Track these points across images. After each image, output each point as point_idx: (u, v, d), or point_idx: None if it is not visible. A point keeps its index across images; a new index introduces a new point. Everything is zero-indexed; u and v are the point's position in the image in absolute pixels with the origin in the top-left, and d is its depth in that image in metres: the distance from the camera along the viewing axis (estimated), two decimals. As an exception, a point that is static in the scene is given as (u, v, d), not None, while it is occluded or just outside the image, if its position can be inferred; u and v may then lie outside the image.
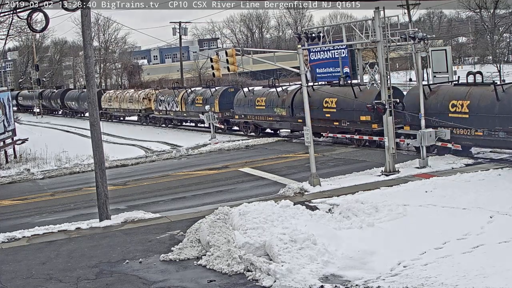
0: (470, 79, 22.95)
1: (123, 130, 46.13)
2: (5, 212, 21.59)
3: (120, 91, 56.25)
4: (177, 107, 43.00)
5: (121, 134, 42.88)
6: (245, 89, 36.51)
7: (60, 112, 68.77)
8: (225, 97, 38.30)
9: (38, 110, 70.59)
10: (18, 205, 22.57)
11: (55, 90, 70.12)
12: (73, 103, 62.77)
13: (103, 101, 55.01)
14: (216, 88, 40.13)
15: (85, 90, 55.64)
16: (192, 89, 42.79)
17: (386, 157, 21.06)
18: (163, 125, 46.11)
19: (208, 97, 39.26)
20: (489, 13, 62.28)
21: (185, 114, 42.55)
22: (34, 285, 12.94)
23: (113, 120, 55.95)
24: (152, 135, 40.83)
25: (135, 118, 51.77)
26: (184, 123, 44.57)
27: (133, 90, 54.10)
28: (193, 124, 42.97)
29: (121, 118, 55.69)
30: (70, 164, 30.50)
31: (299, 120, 30.25)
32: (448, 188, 17.64)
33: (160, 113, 46.14)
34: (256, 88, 37.33)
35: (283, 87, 33.43)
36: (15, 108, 75.02)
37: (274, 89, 33.53)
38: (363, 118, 26.91)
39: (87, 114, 57.06)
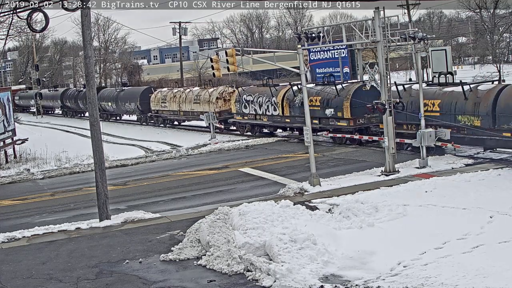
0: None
1: (123, 130, 46.09)
2: (5, 212, 21.59)
3: (179, 89, 45.39)
4: (275, 110, 32.88)
5: (121, 134, 42.86)
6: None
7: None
8: (358, 97, 27.57)
9: (60, 112, 67.82)
10: (18, 205, 22.56)
11: (82, 89, 60.14)
12: (109, 104, 53.45)
13: (152, 102, 46.59)
14: (344, 85, 29.74)
15: (126, 88, 51.97)
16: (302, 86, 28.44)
17: (386, 157, 21.06)
18: (249, 133, 35.67)
19: (331, 97, 29.13)
20: (489, 13, 62.24)
21: (287, 120, 32.23)
22: (34, 285, 12.94)
23: (168, 126, 45.48)
24: (152, 135, 40.80)
25: (202, 123, 38.56)
26: (283, 130, 34.81)
27: (198, 88, 43.63)
28: (298, 133, 32.71)
29: (178, 123, 45.23)
30: (70, 164, 30.50)
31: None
32: (448, 188, 17.64)
33: (246, 117, 35.57)
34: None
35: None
36: (34, 110, 72.52)
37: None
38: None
39: (126, 117, 53.66)
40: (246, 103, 35.04)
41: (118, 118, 55.44)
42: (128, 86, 57.04)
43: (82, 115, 61.83)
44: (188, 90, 43.52)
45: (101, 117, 53.69)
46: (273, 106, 32.82)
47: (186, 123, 44.61)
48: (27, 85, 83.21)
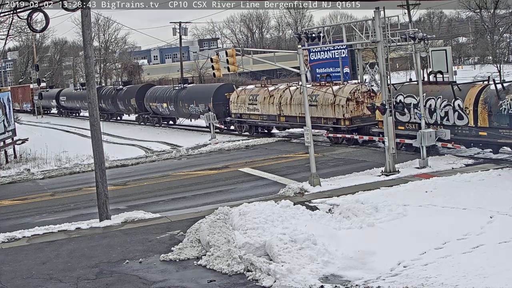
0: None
1: (123, 130, 46.09)
2: (5, 212, 21.59)
3: (276, 87, 34.45)
4: (460, 118, 22.69)
5: (121, 134, 42.86)
6: None
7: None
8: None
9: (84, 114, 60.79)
10: (18, 205, 22.56)
11: (121, 86, 52.75)
12: (164, 105, 44.24)
13: (233, 103, 36.24)
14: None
15: (189, 86, 42.62)
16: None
17: (386, 157, 21.06)
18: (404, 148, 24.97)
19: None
20: (489, 13, 62.23)
21: (483, 134, 22.06)
22: (34, 285, 12.94)
23: (256, 133, 35.07)
24: (152, 135, 40.81)
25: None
26: (481, 148, 23.23)
27: (310, 85, 30.55)
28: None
29: (280, 131, 35.48)
30: (70, 164, 30.49)
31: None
32: (448, 188, 17.64)
33: (402, 127, 24.61)
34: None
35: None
36: (54, 111, 70.24)
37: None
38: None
39: (187, 121, 42.15)
40: (402, 107, 23.99)
41: (173, 122, 46.17)
42: (189, 83, 44.80)
43: (119, 117, 54.41)
44: (294, 86, 32.50)
45: (151, 122, 46.79)
46: (456, 113, 22.96)
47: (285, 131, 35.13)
48: (48, 83, 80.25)
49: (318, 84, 31.49)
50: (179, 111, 42.35)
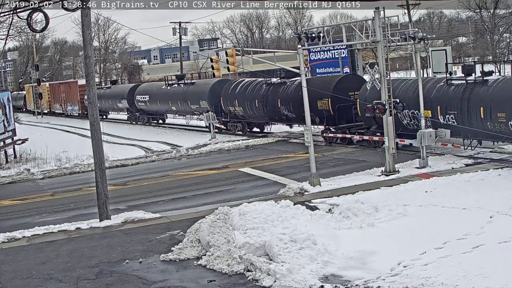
0: None
1: (123, 130, 46.10)
2: (5, 212, 21.59)
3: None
4: None
5: (121, 134, 42.86)
6: None
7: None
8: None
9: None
10: (18, 205, 22.56)
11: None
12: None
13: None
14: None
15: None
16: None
17: (386, 157, 21.05)
18: None
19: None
20: (489, 13, 62.21)
21: None
22: (34, 285, 12.94)
23: None
24: (152, 135, 40.81)
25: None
26: None
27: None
28: None
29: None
30: (70, 164, 30.50)
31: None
32: (448, 188, 17.64)
33: None
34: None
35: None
36: (121, 116, 54.50)
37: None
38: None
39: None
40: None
41: (162, 121, 47.33)
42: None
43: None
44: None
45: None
46: None
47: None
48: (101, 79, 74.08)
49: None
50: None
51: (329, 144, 29.20)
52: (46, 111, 69.84)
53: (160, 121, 48.31)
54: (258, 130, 36.59)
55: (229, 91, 35.69)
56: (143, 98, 46.97)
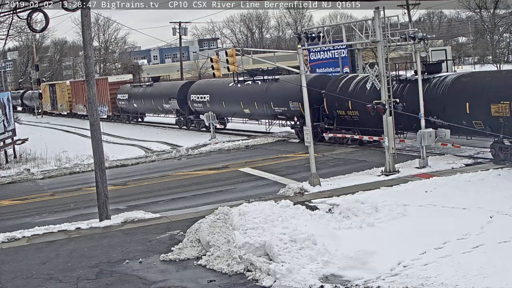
0: None
1: (123, 130, 46.08)
2: (5, 212, 21.59)
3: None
4: None
5: (121, 134, 42.86)
6: None
7: None
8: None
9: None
10: (18, 205, 22.56)
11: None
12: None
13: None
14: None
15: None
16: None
17: (386, 157, 21.05)
18: None
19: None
20: (489, 13, 62.27)
21: None
22: (34, 285, 12.94)
23: None
24: (152, 135, 40.80)
25: None
26: None
27: None
28: None
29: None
30: (70, 164, 30.51)
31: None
32: (448, 188, 17.63)
33: None
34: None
35: None
36: (168, 119, 46.67)
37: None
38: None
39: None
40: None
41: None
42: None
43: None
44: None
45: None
46: None
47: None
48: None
49: None
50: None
51: (330, 144, 29.22)
52: (65, 113, 63.78)
53: (221, 126, 38.70)
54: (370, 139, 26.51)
55: (337, 89, 27.95)
56: (201, 98, 38.47)
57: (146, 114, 49.72)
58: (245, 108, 34.67)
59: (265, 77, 33.37)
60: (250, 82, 34.57)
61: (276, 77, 32.62)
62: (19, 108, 79.59)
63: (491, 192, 16.66)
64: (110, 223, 17.62)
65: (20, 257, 15.11)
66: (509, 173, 19.08)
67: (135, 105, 48.33)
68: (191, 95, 39.74)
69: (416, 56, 22.74)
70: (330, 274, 12.12)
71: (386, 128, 21.15)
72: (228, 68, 21.69)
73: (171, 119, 45.64)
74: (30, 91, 78.18)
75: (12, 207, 22.43)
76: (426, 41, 22.34)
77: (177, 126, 43.55)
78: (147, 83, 47.82)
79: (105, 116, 52.35)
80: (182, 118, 42.55)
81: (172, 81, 53.34)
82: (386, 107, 20.89)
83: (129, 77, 58.48)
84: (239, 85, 35.31)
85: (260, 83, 33.69)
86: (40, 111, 69.70)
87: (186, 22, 65.02)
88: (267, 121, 34.14)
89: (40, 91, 68.74)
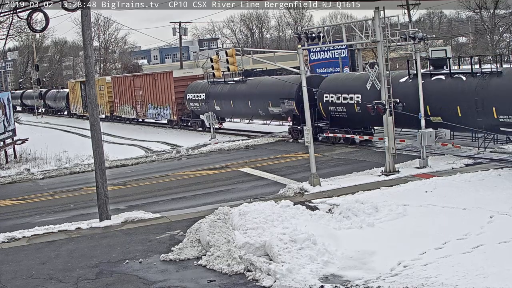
0: None
1: (124, 130, 46.08)
2: (5, 212, 21.59)
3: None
4: None
5: (121, 134, 42.86)
6: None
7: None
8: None
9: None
10: (18, 205, 22.56)
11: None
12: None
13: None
14: None
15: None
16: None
17: (386, 157, 21.06)
18: None
19: None
20: (489, 13, 62.25)
21: None
22: (34, 285, 12.94)
23: None
24: (152, 135, 40.80)
25: None
26: None
27: None
28: None
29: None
30: (70, 164, 30.51)
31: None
32: (448, 188, 17.65)
33: None
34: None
35: None
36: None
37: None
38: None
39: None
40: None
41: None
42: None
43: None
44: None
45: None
46: None
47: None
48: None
49: None
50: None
51: (330, 144, 29.21)
52: (103, 116, 49.71)
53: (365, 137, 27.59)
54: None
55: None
56: (336, 98, 27.71)
57: (232, 120, 37.24)
58: None
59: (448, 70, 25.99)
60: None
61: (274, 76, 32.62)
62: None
63: (491, 192, 16.67)
64: (110, 223, 17.63)
65: (20, 257, 15.11)
66: (509, 173, 19.08)
67: (217, 107, 36.55)
68: (324, 95, 28.47)
69: (416, 56, 22.74)
70: (330, 274, 12.12)
71: (386, 128, 21.14)
72: (228, 68, 21.70)
73: (278, 126, 34.58)
74: (54, 90, 68.79)
75: (12, 207, 22.43)
76: (426, 41, 22.38)
77: (290, 138, 31.75)
78: (235, 79, 35.69)
79: (165, 121, 44.10)
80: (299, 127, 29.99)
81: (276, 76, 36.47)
82: (386, 107, 20.89)
83: (199, 71, 45.61)
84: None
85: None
86: (66, 113, 62.37)
87: (186, 22, 65.14)
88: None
89: (67, 90, 60.43)
